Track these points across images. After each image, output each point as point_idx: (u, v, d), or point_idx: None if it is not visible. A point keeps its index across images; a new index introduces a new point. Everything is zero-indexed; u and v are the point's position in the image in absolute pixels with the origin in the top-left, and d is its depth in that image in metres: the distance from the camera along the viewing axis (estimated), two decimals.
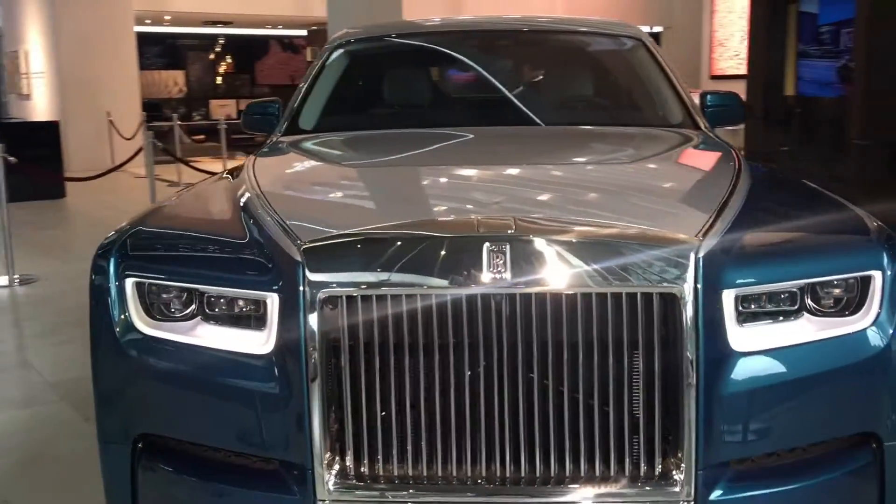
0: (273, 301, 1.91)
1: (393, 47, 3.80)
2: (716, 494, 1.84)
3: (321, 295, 1.84)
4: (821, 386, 1.93)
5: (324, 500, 1.86)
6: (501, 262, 1.80)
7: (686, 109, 3.40)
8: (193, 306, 2.03)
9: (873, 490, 1.99)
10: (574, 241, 1.84)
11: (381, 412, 1.85)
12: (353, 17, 8.12)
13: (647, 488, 1.83)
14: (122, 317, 2.06)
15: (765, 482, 1.88)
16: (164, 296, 2.06)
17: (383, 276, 1.83)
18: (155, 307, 2.06)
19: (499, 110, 3.43)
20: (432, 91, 3.75)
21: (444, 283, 1.81)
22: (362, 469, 1.87)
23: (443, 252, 1.83)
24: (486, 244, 1.82)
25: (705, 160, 2.77)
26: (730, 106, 3.54)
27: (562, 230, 1.86)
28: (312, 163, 3.03)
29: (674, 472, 1.83)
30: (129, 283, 2.06)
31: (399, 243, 1.86)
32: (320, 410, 1.84)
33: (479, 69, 3.65)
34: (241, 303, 1.99)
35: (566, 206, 2.15)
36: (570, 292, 1.80)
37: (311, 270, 1.85)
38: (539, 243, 1.82)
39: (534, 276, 1.80)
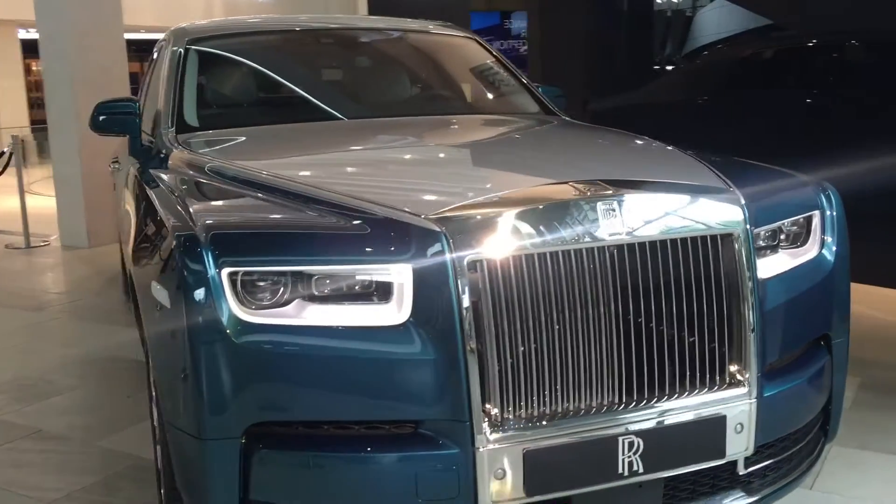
0: (405, 271, 2.04)
1: (258, 44, 3.87)
2: (767, 391, 2.31)
3: (467, 259, 2.02)
4: (804, 300, 2.50)
5: (480, 448, 2.04)
6: (615, 217, 2.13)
7: (538, 100, 3.94)
8: (287, 291, 2.08)
9: (830, 375, 2.62)
10: (658, 194, 2.21)
11: (522, 359, 2.07)
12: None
13: (723, 393, 2.25)
14: (228, 309, 2.05)
15: (787, 378, 2.40)
16: (262, 283, 2.08)
17: (517, 238, 2.06)
18: (251, 296, 2.08)
19: (381, 102, 3.72)
20: (312, 85, 3.87)
21: (571, 240, 2.09)
22: (507, 414, 2.08)
23: (562, 215, 2.11)
24: (600, 204, 2.13)
25: (624, 136, 3.26)
26: (559, 97, 4.17)
27: (647, 187, 2.23)
28: (320, 152, 3.18)
29: (739, 377, 2.28)
30: (227, 272, 2.05)
31: (526, 208, 2.10)
32: (477, 365, 2.02)
33: (355, 65, 3.88)
34: (357, 279, 2.08)
35: (612, 168, 2.52)
36: (663, 238, 2.17)
37: (453, 237, 2.03)
38: (634, 199, 2.17)
39: (637, 228, 2.14)
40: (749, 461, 2.33)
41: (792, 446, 2.49)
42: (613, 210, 2.14)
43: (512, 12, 12.00)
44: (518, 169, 2.70)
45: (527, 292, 2.07)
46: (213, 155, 3.02)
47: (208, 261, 2.05)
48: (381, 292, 2.08)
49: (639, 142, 3.00)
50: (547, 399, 2.11)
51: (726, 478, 2.34)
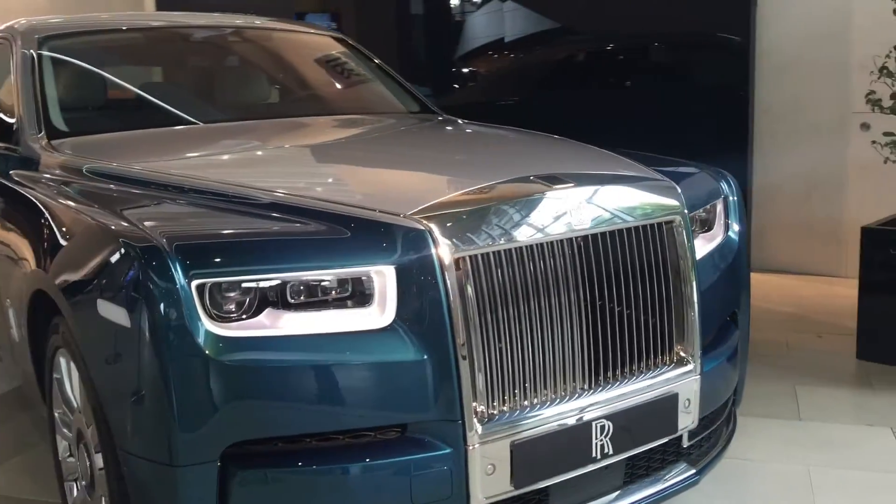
0: (388, 272, 2.00)
1: (124, 42, 3.61)
2: (706, 367, 2.46)
3: (454, 256, 2.01)
4: (722, 280, 2.68)
5: (473, 446, 2.03)
6: (582, 209, 2.19)
7: (418, 99, 3.96)
8: (258, 301, 1.98)
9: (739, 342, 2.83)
10: (614, 185, 2.30)
11: (505, 353, 2.09)
12: None
13: (673, 371, 2.38)
14: (199, 324, 1.92)
15: (717, 353, 2.57)
16: (231, 293, 1.97)
17: (497, 232, 2.08)
18: (219, 308, 1.96)
19: (259, 104, 3.60)
20: (193, 86, 3.66)
21: (544, 232, 2.13)
22: (493, 409, 2.08)
23: (532, 209, 2.14)
24: (568, 196, 2.18)
25: (531, 134, 3.33)
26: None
27: (602, 179, 2.31)
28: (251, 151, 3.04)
29: (685, 355, 2.41)
30: (196, 284, 1.92)
31: (500, 204, 2.11)
32: (468, 363, 2.01)
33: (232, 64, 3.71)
34: (336, 284, 2.01)
35: (556, 163, 2.57)
36: (621, 227, 2.26)
37: (438, 235, 2.00)
38: (596, 191, 2.25)
39: (598, 218, 2.22)
40: (691, 434, 2.48)
41: (718, 417, 2.67)
42: (580, 202, 2.20)
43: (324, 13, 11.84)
44: (468, 167, 2.70)
45: (507, 286, 2.09)
46: (115, 160, 2.78)
47: (176, 273, 1.91)
48: (363, 296, 2.02)
49: (555, 138, 3.09)
50: (527, 390, 2.13)
51: (673, 452, 2.47)
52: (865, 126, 5.64)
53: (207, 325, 1.92)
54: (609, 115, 6.29)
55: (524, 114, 6.89)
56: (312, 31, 4.16)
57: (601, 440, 2.22)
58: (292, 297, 2.00)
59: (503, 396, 2.10)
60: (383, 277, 2.00)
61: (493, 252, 2.07)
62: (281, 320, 1.98)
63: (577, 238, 2.19)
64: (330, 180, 2.56)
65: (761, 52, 5.95)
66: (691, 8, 6.11)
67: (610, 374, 2.26)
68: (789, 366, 4.16)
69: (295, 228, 2.08)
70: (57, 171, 2.81)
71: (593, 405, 2.21)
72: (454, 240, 2.02)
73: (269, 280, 1.97)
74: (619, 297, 2.26)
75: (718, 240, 2.76)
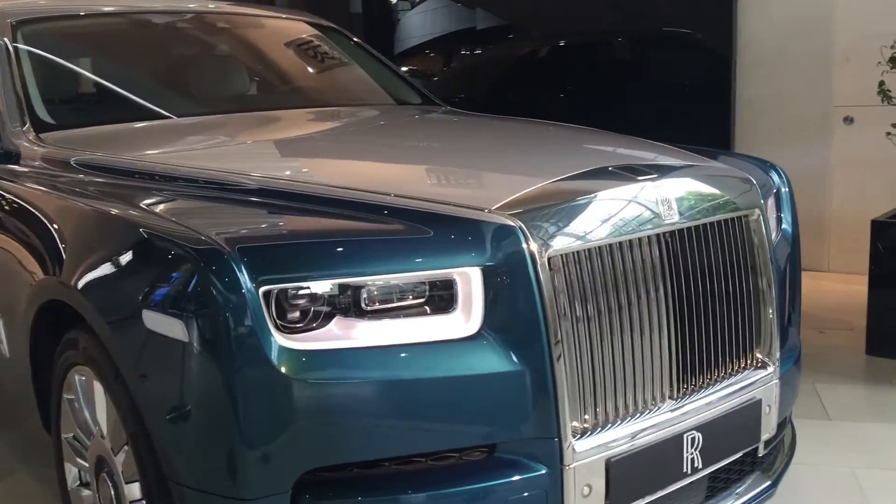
0: (472, 275, 1.79)
1: (110, 27, 3.30)
2: (783, 369, 2.31)
3: (549, 255, 1.80)
4: (788, 275, 2.52)
5: (570, 465, 1.83)
6: (670, 202, 2.01)
7: (418, 90, 3.74)
8: (331, 309, 1.76)
9: None
10: (696, 178, 2.12)
11: (601, 360, 1.89)
12: None
13: (755, 375, 2.21)
14: (270, 336, 1.68)
15: (787, 355, 2.40)
16: (299, 301, 1.73)
17: (591, 228, 1.88)
18: (282, 317, 1.72)
19: (256, 95, 3.34)
20: (175, 76, 3.35)
21: (633, 228, 1.94)
22: (586, 423, 1.89)
23: (625, 201, 1.95)
24: (657, 188, 2.00)
25: (557, 125, 3.14)
26: None
27: (683, 172, 2.14)
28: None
29: (764, 357, 2.25)
30: (263, 291, 1.68)
31: (588, 196, 1.92)
32: (564, 372, 1.81)
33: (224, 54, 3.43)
34: (417, 289, 1.80)
35: (624, 155, 2.38)
36: (706, 222, 2.09)
37: (531, 231, 1.80)
38: (681, 183, 2.07)
39: (686, 212, 2.04)
40: (766, 443, 2.32)
41: (785, 422, 2.52)
42: (667, 195, 2.02)
43: None
44: (530, 158, 2.48)
45: (598, 286, 1.90)
46: (124, 152, 2.50)
47: (243, 278, 1.67)
48: (445, 301, 1.80)
49: (592, 129, 2.89)
50: (620, 400, 1.94)
51: (749, 462, 2.31)
52: (848, 120, 5.62)
53: (277, 337, 1.69)
54: (582, 112, 6.16)
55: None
56: (310, 20, 3.90)
57: (692, 453, 2.04)
58: (366, 304, 1.77)
59: (595, 408, 1.90)
60: (468, 280, 1.79)
61: (586, 250, 1.87)
62: (354, 330, 1.76)
63: (665, 233, 2.01)
64: (381, 172, 2.32)
65: (742, 46, 5.89)
66: (671, 1, 6.03)
67: (696, 380, 2.08)
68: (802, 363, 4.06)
69: (368, 227, 1.85)
70: (55, 167, 2.51)
71: (684, 415, 2.03)
72: (546, 236, 1.82)
73: (343, 285, 1.74)
74: (703, 297, 2.09)
75: (774, 235, 2.61)
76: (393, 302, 1.79)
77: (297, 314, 1.74)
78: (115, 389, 1.94)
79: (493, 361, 1.78)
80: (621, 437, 1.92)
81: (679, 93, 6.16)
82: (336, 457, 1.74)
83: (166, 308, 1.75)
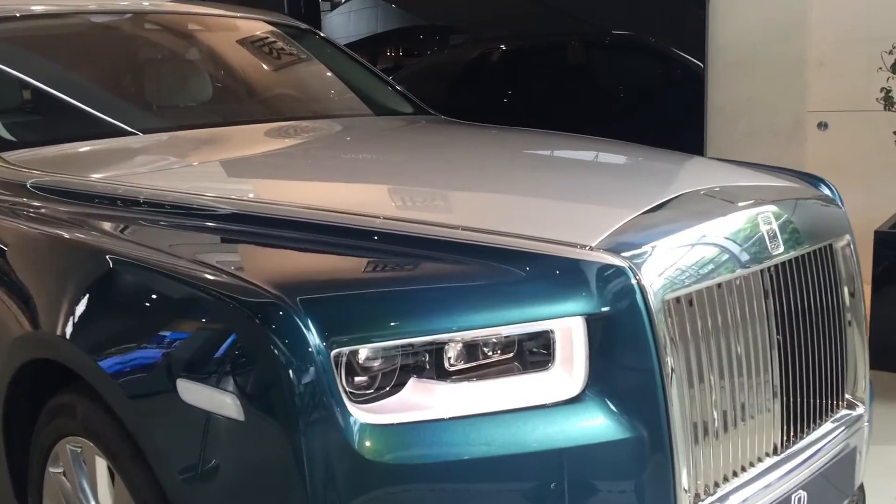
0: (573, 326, 1.50)
1: (71, 29, 2.88)
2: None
3: (666, 298, 1.53)
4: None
5: None
6: (773, 233, 1.76)
7: (410, 100, 3.42)
8: (407, 373, 1.46)
9: None
10: (782, 203, 1.88)
11: (716, 419, 1.63)
12: None
13: (845, 419, 1.98)
14: (344, 408, 1.37)
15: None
16: (370, 364, 1.43)
17: (706, 264, 1.62)
18: (350, 384, 1.42)
19: (230, 105, 2.99)
20: (139, 86, 2.96)
21: (745, 261, 1.69)
22: (699, 491, 1.62)
23: (733, 232, 1.70)
24: (760, 217, 1.75)
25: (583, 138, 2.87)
26: None
27: (766, 195, 1.89)
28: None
29: (853, 398, 2.03)
30: (335, 354, 1.37)
31: (699, 229, 1.66)
32: (685, 438, 1.54)
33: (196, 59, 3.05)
34: (508, 344, 1.50)
35: (699, 176, 2.11)
36: (806, 251, 1.85)
37: (642, 271, 1.52)
38: (782, 208, 1.82)
39: (785, 241, 1.80)
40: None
41: None
42: (772, 221, 1.77)
43: None
44: (603, 178, 2.20)
45: (712, 333, 1.63)
46: (113, 177, 2.14)
47: (313, 340, 1.35)
48: (540, 357, 1.51)
49: (635, 145, 2.62)
50: (731, 462, 1.68)
51: None
52: (822, 125, 5.52)
53: (353, 411, 1.38)
54: (547, 119, 5.95)
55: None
56: (289, 23, 3.54)
57: None
58: (449, 364, 1.47)
59: (708, 473, 1.64)
60: (568, 332, 1.50)
61: (702, 290, 1.61)
62: (433, 396, 1.45)
63: (771, 266, 1.76)
64: (437, 200, 2.01)
65: (714, 50, 5.74)
66: (642, 4, 5.85)
67: (800, 430, 1.84)
68: None
69: (445, 270, 1.54)
70: (27, 196, 2.12)
71: (791, 472, 1.78)
72: (656, 276, 1.55)
73: (426, 343, 1.44)
74: (803, 335, 1.85)
75: None
76: (476, 360, 1.49)
77: (365, 379, 1.43)
78: (132, 472, 1.59)
79: (600, 428, 1.50)
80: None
81: (649, 98, 5.99)
82: None
83: (210, 378, 1.42)
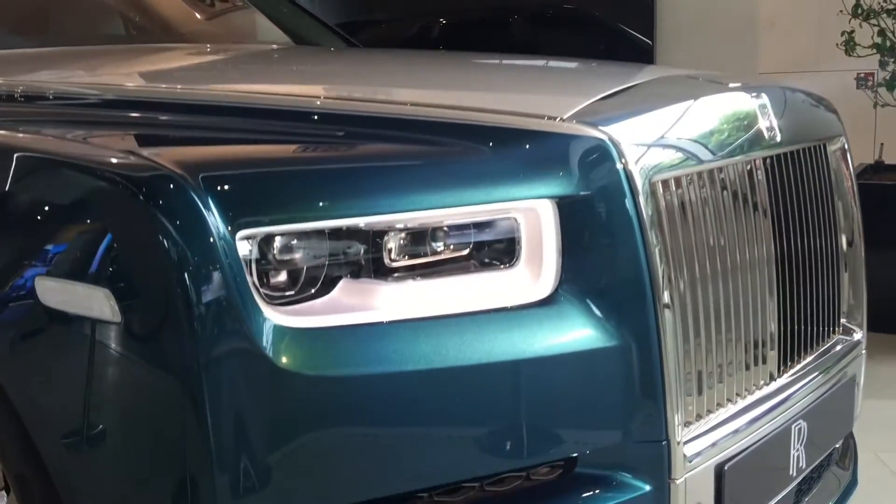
0: (541, 212, 1.22)
1: None
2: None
3: (652, 180, 1.26)
4: None
5: (679, 478, 1.29)
6: (770, 118, 1.50)
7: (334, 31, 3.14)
8: (337, 269, 1.16)
9: None
10: (774, 92, 1.62)
11: (705, 328, 1.36)
12: None
13: (844, 345, 1.75)
14: (256, 307, 1.07)
15: None
16: (286, 257, 1.13)
17: (692, 145, 1.35)
18: (264, 282, 1.12)
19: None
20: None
21: (735, 149, 1.43)
22: (691, 417, 1.35)
23: (727, 113, 1.44)
24: (754, 99, 1.49)
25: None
26: None
27: (774, 83, 1.65)
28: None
29: (850, 323, 1.80)
30: (241, 236, 1.07)
31: (689, 104, 1.40)
32: (676, 349, 1.27)
33: None
34: (464, 234, 1.22)
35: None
36: (801, 147, 1.60)
37: (625, 147, 1.24)
38: (778, 97, 1.57)
39: (782, 132, 1.54)
40: None
41: None
42: (769, 108, 1.51)
43: None
44: (572, 77, 1.93)
45: (710, 227, 1.37)
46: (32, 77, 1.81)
47: (213, 222, 1.04)
48: (505, 250, 1.23)
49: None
50: (727, 382, 1.42)
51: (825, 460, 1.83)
52: None
53: (266, 311, 1.08)
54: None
55: None
56: None
57: (798, 449, 1.54)
58: (390, 259, 1.18)
59: (700, 394, 1.37)
60: (536, 218, 1.22)
61: (695, 174, 1.35)
62: (373, 299, 1.16)
63: (769, 157, 1.50)
64: (377, 85, 1.70)
65: (662, 10, 5.55)
66: None
67: (799, 353, 1.59)
68: None
69: (385, 149, 1.25)
70: None
71: (790, 399, 1.53)
72: (643, 155, 1.27)
73: (354, 229, 1.14)
74: (800, 245, 1.60)
75: None
76: (421, 254, 1.20)
77: (282, 276, 1.13)
78: None
79: (575, 336, 1.22)
80: (729, 433, 1.40)
81: (596, 59, 5.77)
82: (356, 493, 1.13)
83: (79, 272, 1.09)
